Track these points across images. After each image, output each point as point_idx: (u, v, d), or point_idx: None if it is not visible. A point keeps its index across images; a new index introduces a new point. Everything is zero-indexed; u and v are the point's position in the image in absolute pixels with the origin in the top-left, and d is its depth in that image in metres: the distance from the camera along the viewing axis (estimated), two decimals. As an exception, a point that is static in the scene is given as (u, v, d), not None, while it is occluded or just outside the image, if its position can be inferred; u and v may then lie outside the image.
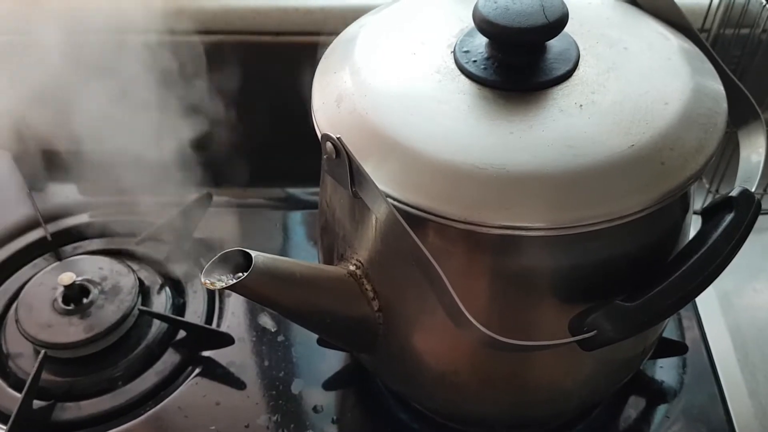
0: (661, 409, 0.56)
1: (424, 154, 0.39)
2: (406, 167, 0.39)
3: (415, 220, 0.38)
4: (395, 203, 0.38)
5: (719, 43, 0.67)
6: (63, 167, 0.68)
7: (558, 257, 0.40)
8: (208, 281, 0.38)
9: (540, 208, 0.37)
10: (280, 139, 0.73)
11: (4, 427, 0.54)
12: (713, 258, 0.40)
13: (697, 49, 0.46)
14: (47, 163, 0.72)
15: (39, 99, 0.63)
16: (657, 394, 0.57)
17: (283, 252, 0.70)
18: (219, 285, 0.38)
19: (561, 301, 0.41)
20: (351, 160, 0.38)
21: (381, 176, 0.39)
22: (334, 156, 0.39)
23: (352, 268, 0.45)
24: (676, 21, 0.48)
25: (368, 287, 0.45)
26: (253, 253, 0.39)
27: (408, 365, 0.47)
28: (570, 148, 0.38)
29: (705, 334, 0.59)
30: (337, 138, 0.38)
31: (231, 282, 0.38)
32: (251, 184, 0.74)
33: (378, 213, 0.39)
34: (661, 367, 0.58)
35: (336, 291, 0.44)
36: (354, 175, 0.39)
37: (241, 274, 0.39)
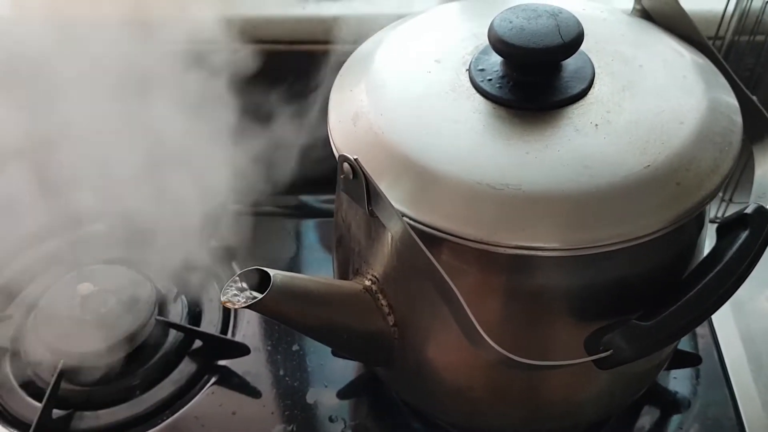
0: (675, 420, 0.56)
1: (439, 173, 0.39)
2: (421, 187, 0.39)
3: (430, 238, 0.38)
4: (411, 222, 0.38)
5: (733, 51, 0.66)
6: (80, 174, 0.68)
7: (573, 276, 0.40)
8: (227, 300, 0.39)
9: (556, 229, 0.37)
10: (294, 147, 0.74)
11: (25, 437, 0.55)
12: (728, 276, 0.40)
13: (711, 65, 0.46)
14: (65, 170, 0.72)
15: (53, 105, 0.64)
16: (671, 405, 0.57)
17: (297, 259, 0.70)
18: (238, 304, 0.39)
19: (576, 320, 0.41)
20: (368, 181, 0.38)
21: (396, 195, 0.39)
22: (351, 176, 0.39)
23: (367, 283, 0.45)
24: (690, 35, 0.48)
25: (383, 302, 0.45)
26: (271, 272, 0.40)
27: (423, 379, 0.47)
28: (586, 168, 0.38)
29: (718, 343, 0.59)
30: (355, 159, 0.38)
31: (250, 301, 0.39)
32: (265, 193, 0.74)
33: (394, 232, 0.39)
34: (674, 377, 0.58)
35: (352, 307, 0.44)
36: (371, 195, 0.39)
37: (257, 294, 0.39)
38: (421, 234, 0.38)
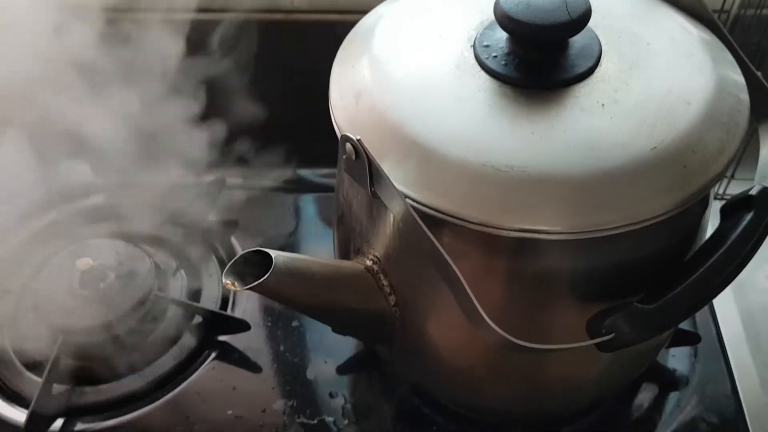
0: (673, 398, 0.57)
1: (443, 154, 0.38)
2: (425, 168, 0.39)
3: (433, 220, 0.38)
4: (413, 204, 0.38)
5: (739, 26, 0.65)
6: (78, 148, 0.68)
7: (576, 259, 0.40)
8: (228, 282, 0.38)
9: (560, 212, 0.37)
10: (292, 119, 0.73)
11: (26, 411, 0.56)
12: (732, 259, 0.40)
13: (718, 41, 0.45)
14: (62, 143, 0.72)
15: (48, 78, 0.62)
16: (669, 383, 0.57)
17: (297, 234, 0.70)
18: (240, 287, 0.38)
19: (578, 302, 0.41)
20: (371, 162, 0.38)
21: (399, 176, 0.39)
22: (353, 157, 0.38)
23: (369, 263, 0.45)
24: (697, 11, 0.47)
25: (385, 282, 0.45)
26: (273, 254, 0.39)
27: (423, 359, 0.47)
28: (592, 151, 0.38)
29: (717, 322, 0.60)
30: (357, 140, 0.38)
31: (252, 284, 0.38)
32: (264, 166, 0.74)
33: (397, 214, 0.38)
34: (673, 355, 0.59)
35: (354, 287, 0.44)
36: (373, 176, 0.39)
37: (259, 276, 0.39)
38: (424, 215, 0.38)
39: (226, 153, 0.69)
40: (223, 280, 0.38)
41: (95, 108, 0.64)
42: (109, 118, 0.64)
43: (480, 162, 0.38)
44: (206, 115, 0.66)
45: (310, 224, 0.71)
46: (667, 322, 0.39)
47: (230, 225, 0.69)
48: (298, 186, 0.74)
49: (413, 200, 0.38)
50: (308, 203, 0.73)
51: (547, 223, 0.37)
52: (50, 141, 0.71)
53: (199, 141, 0.65)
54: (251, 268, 0.40)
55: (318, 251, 0.67)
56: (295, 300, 0.42)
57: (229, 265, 0.39)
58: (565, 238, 0.37)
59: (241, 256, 0.39)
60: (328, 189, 0.71)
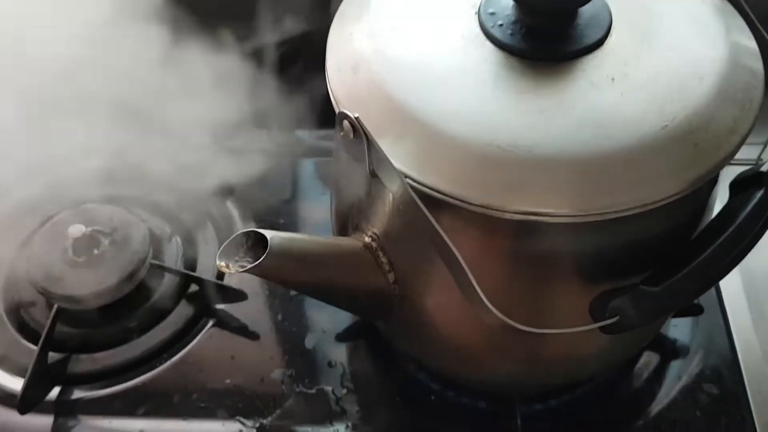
0: (674, 369, 0.56)
1: (446, 133, 0.37)
2: (427, 146, 0.37)
3: (434, 200, 0.37)
4: (414, 184, 0.37)
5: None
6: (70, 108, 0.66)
7: (581, 241, 0.39)
8: (223, 264, 0.37)
9: (567, 194, 0.36)
10: (289, 79, 0.71)
11: (22, 379, 0.55)
12: (740, 239, 0.39)
13: (733, 9, 0.43)
14: (53, 103, 0.70)
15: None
16: (670, 354, 0.57)
17: (294, 201, 0.69)
18: (235, 269, 0.37)
19: (581, 284, 0.40)
20: (369, 141, 0.36)
21: (399, 154, 0.37)
22: (351, 135, 0.37)
23: (367, 240, 0.44)
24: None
25: (384, 260, 0.44)
26: (268, 235, 0.38)
27: (423, 335, 0.47)
28: (601, 129, 0.36)
29: (720, 293, 0.59)
30: (356, 117, 0.36)
31: (247, 266, 0.37)
32: (259, 127, 0.72)
33: (396, 194, 0.37)
34: (674, 325, 0.58)
35: (353, 265, 0.43)
36: (372, 155, 0.37)
37: (254, 258, 0.38)
38: (425, 196, 0.36)
39: (221, 113, 0.67)
40: (217, 262, 0.37)
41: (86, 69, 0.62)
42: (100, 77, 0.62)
43: (484, 141, 0.36)
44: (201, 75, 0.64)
45: (308, 188, 0.70)
46: (673, 304, 0.39)
47: (226, 191, 0.68)
48: (295, 148, 0.73)
49: (413, 180, 0.37)
50: (305, 166, 0.71)
51: (552, 205, 0.36)
52: (46, 100, 0.69)
53: (195, 104, 0.63)
54: (246, 248, 0.39)
55: (316, 217, 0.66)
56: (292, 281, 0.41)
57: (223, 246, 0.38)
58: (571, 221, 0.36)
59: (236, 236, 0.38)
60: (325, 153, 0.70)
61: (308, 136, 0.74)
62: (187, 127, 0.64)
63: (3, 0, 0.60)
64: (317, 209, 0.67)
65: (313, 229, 0.66)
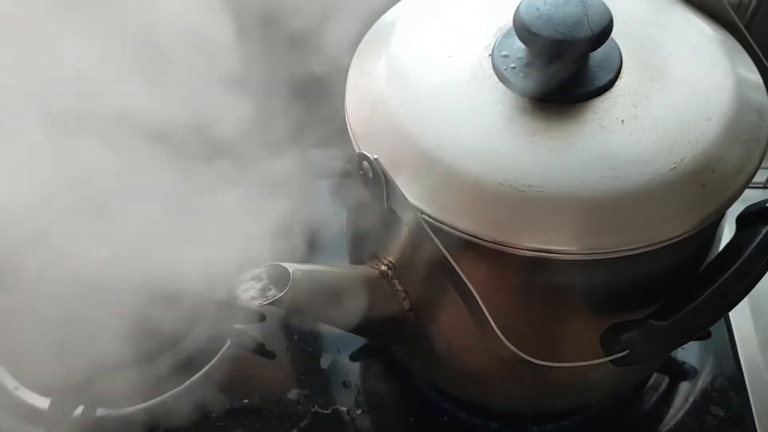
0: (682, 391, 0.57)
1: (461, 172, 0.38)
2: (442, 184, 0.39)
3: (449, 235, 0.38)
4: (430, 220, 0.38)
5: (760, 13, 0.64)
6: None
7: (591, 276, 0.40)
8: (246, 297, 0.39)
9: (577, 233, 0.37)
10: (301, 102, 0.72)
11: (48, 399, 0.57)
12: (747, 273, 0.40)
13: (741, 49, 0.45)
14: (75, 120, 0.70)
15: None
16: (678, 375, 0.58)
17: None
18: (257, 302, 0.39)
19: (592, 317, 0.42)
20: (388, 180, 0.38)
21: (415, 191, 0.39)
22: (370, 174, 0.38)
23: (383, 268, 0.45)
24: (718, 13, 0.46)
25: (399, 288, 0.45)
26: (290, 268, 0.39)
27: (436, 360, 0.48)
28: (610, 170, 0.38)
29: (728, 317, 0.60)
30: (375, 159, 0.37)
31: (271, 299, 0.39)
32: (273, 149, 0.73)
33: (413, 230, 0.39)
34: (683, 348, 0.59)
35: (369, 294, 0.44)
36: (389, 193, 0.39)
37: (275, 291, 0.39)
38: (440, 232, 0.38)
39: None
40: (241, 296, 0.39)
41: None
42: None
43: (497, 180, 0.38)
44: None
45: (321, 210, 0.71)
46: (682, 338, 0.40)
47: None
48: (310, 169, 0.74)
49: (429, 216, 0.38)
50: (320, 188, 0.72)
51: (562, 243, 0.37)
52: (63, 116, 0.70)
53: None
54: (269, 282, 0.40)
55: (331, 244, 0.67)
56: (311, 311, 0.42)
57: (245, 279, 0.40)
58: (581, 258, 0.37)
59: (256, 270, 0.40)
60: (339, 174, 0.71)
61: (321, 156, 0.75)
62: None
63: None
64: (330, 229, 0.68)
65: (327, 250, 0.67)
